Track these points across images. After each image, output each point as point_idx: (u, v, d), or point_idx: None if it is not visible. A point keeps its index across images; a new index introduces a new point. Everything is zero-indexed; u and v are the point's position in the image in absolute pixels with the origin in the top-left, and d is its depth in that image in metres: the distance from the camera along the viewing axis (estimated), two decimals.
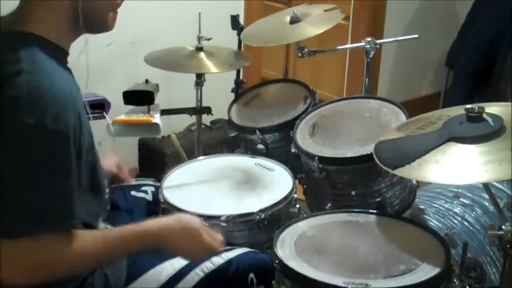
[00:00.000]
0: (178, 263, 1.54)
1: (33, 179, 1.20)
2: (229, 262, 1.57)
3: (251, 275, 1.55)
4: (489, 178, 1.29)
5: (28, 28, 1.30)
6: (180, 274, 1.53)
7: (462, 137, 1.37)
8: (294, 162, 1.94)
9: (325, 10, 2.27)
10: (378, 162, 1.48)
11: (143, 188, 1.88)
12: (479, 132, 1.37)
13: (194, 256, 1.46)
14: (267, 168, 1.95)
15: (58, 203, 1.23)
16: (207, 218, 1.68)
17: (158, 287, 1.51)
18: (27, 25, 1.30)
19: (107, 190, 1.57)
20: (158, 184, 1.88)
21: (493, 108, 1.45)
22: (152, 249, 1.38)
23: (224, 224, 1.70)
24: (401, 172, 1.40)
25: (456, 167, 1.33)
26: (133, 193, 1.84)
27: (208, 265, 1.55)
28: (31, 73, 1.22)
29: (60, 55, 1.34)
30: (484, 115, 1.40)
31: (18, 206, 1.20)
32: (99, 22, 1.39)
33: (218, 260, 1.56)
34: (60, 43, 1.34)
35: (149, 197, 1.85)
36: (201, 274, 1.54)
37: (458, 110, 1.48)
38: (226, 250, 1.60)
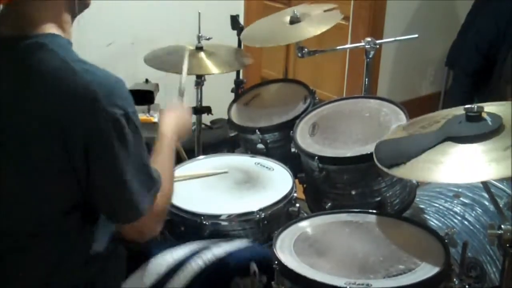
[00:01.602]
0: (178, 253, 1.55)
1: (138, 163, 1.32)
2: (230, 253, 1.58)
3: (253, 265, 1.54)
4: (485, 176, 1.30)
5: (43, 29, 1.29)
6: (180, 265, 1.53)
7: (459, 136, 1.38)
8: (294, 161, 1.94)
9: (325, 10, 2.27)
10: (376, 161, 1.49)
11: None
12: (477, 131, 1.37)
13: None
14: (267, 167, 1.95)
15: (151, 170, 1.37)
16: (207, 217, 1.68)
17: (158, 278, 1.51)
18: (40, 26, 1.29)
19: None
20: None
21: (493, 108, 1.45)
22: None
23: (224, 223, 1.70)
24: (396, 171, 1.40)
25: (451, 167, 1.33)
26: None
27: (209, 256, 1.56)
28: (86, 71, 1.24)
29: (71, 48, 1.34)
30: (484, 115, 1.40)
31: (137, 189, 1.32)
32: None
33: (218, 251, 1.57)
34: (68, 37, 1.34)
35: None
36: (201, 264, 1.54)
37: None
38: (226, 242, 1.61)
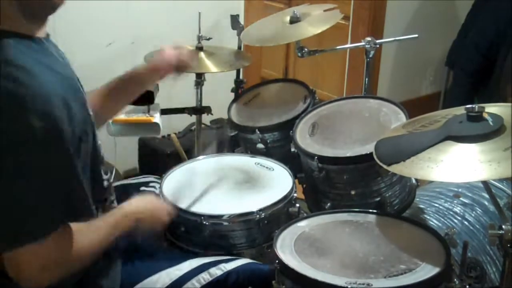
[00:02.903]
0: (174, 273, 1.53)
1: (30, 180, 1.20)
2: (228, 273, 1.56)
3: None
4: (483, 177, 1.30)
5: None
6: (176, 285, 1.52)
7: (459, 136, 1.38)
8: (293, 161, 1.94)
9: (324, 10, 2.27)
10: (375, 158, 1.49)
11: (151, 184, 1.90)
12: (478, 131, 1.37)
13: (155, 230, 1.57)
14: (267, 167, 1.95)
15: (59, 201, 1.24)
16: (207, 217, 1.68)
17: None
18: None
19: (105, 177, 1.50)
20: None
21: (494, 109, 1.45)
22: (130, 229, 1.45)
23: (224, 223, 1.70)
24: (395, 168, 1.40)
25: (451, 165, 1.33)
26: (142, 188, 1.86)
27: (205, 276, 1.54)
28: (6, 77, 1.18)
29: (35, 43, 1.29)
30: (485, 115, 1.40)
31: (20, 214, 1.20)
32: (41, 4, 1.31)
33: (216, 272, 1.55)
34: (29, 32, 1.29)
35: (158, 192, 1.85)
36: (197, 286, 1.52)
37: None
38: (225, 261, 1.59)
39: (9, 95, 1.18)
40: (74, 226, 1.27)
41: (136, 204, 1.49)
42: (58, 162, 1.23)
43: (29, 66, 1.22)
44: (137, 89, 1.76)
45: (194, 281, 1.53)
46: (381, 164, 1.45)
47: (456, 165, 1.33)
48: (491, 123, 1.38)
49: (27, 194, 1.19)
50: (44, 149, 1.20)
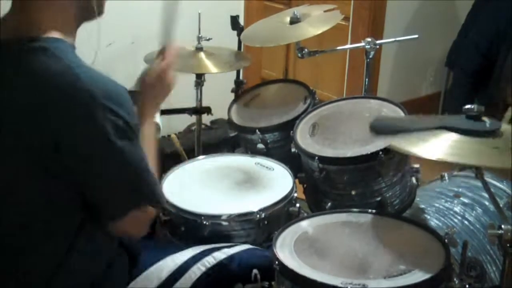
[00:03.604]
0: (179, 258, 1.55)
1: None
2: (231, 257, 1.58)
3: (255, 270, 1.54)
4: (464, 161, 1.35)
5: (47, 32, 1.28)
6: (181, 270, 1.53)
7: (454, 127, 1.39)
8: (294, 161, 1.94)
9: (325, 11, 2.27)
10: (369, 128, 1.52)
11: None
12: (472, 127, 1.39)
13: (167, 92, 1.61)
14: (267, 167, 1.95)
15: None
16: (208, 217, 1.68)
17: (160, 283, 1.51)
18: (45, 29, 1.28)
19: None
20: None
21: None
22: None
23: (224, 223, 1.70)
24: (384, 139, 1.48)
25: (436, 146, 1.37)
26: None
27: (210, 260, 1.56)
28: (88, 77, 1.24)
29: (75, 52, 1.34)
30: (484, 118, 1.41)
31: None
32: (99, 7, 1.40)
33: (220, 255, 1.57)
34: (72, 41, 1.35)
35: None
36: (203, 269, 1.54)
37: None
38: (228, 247, 1.61)
39: (94, 91, 1.23)
40: None
41: (147, 105, 1.55)
42: (138, 150, 1.34)
43: (92, 69, 1.29)
44: None
45: (199, 264, 1.55)
46: (372, 132, 1.51)
47: (441, 147, 1.36)
48: (487, 125, 1.38)
49: (142, 165, 1.33)
50: (132, 138, 1.30)
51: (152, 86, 1.57)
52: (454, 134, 1.38)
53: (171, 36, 1.66)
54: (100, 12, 1.39)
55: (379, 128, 1.51)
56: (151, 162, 1.43)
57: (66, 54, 1.27)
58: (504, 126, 1.41)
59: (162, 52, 1.62)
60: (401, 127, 1.46)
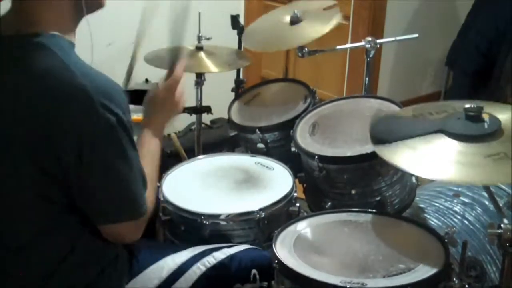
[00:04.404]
0: (179, 258, 1.55)
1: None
2: (231, 257, 1.58)
3: (254, 271, 1.54)
4: (456, 178, 1.33)
5: (45, 29, 1.29)
6: (181, 269, 1.54)
7: (451, 132, 1.38)
8: (294, 161, 1.94)
9: (324, 9, 2.27)
10: (369, 132, 1.51)
11: None
12: (470, 131, 1.37)
13: (176, 111, 1.66)
14: (267, 167, 1.95)
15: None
16: (207, 217, 1.68)
17: (160, 283, 1.51)
18: (43, 26, 1.29)
19: None
20: None
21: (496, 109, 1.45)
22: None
23: (224, 223, 1.70)
24: (379, 150, 1.43)
25: (428, 160, 1.35)
26: None
27: (210, 260, 1.56)
28: (84, 74, 1.25)
29: (73, 50, 1.35)
30: (484, 116, 1.40)
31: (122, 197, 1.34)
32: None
33: (219, 255, 1.57)
34: (71, 38, 1.35)
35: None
36: (203, 269, 1.54)
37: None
38: (227, 247, 1.61)
39: (90, 89, 1.24)
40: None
41: (153, 122, 1.61)
42: (134, 147, 1.35)
43: (89, 66, 1.30)
44: None
45: (199, 264, 1.55)
46: (372, 142, 1.48)
47: (433, 162, 1.34)
48: (486, 126, 1.38)
49: (135, 176, 1.34)
50: (130, 136, 1.31)
51: (160, 104, 1.61)
52: (449, 140, 1.37)
53: (181, 38, 1.68)
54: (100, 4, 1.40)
55: (375, 138, 1.49)
56: (152, 176, 1.45)
57: (63, 51, 1.27)
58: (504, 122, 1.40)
59: (170, 73, 1.67)
60: (398, 135, 1.43)
